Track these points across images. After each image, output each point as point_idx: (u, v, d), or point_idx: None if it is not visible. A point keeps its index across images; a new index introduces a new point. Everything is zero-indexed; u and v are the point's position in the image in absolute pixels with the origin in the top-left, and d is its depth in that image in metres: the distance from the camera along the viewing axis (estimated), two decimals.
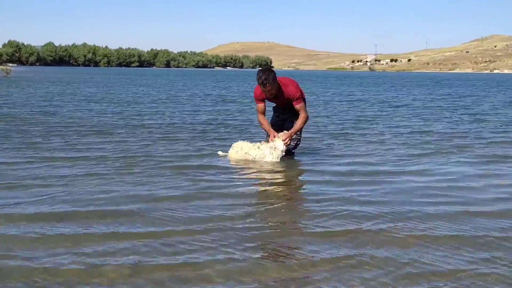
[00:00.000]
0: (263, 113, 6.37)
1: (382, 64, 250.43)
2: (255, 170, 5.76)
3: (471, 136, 9.06)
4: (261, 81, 5.98)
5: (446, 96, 23.27)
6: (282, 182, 5.37)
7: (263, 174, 5.62)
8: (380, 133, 9.27)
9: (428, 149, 7.47)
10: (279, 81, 6.13)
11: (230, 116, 12.17)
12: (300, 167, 6.11)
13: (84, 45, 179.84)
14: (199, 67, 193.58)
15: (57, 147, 6.92)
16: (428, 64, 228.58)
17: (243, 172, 5.69)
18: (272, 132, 6.27)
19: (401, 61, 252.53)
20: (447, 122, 11.63)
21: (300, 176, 5.77)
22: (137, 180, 5.07)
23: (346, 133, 9.28)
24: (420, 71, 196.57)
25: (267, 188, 5.06)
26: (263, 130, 6.70)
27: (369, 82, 47.03)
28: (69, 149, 6.83)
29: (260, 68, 6.15)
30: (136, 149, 6.90)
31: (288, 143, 6.16)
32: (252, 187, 5.08)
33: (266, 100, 6.37)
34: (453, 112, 14.52)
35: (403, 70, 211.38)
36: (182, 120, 10.89)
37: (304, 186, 5.31)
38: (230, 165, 5.99)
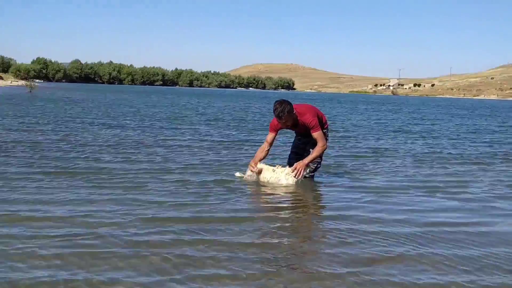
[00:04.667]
0: (270, 143, 6.40)
1: (405, 88, 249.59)
2: (271, 191, 5.80)
3: None
4: (277, 113, 6.09)
5: None
6: (299, 203, 5.41)
7: (279, 195, 5.67)
8: None
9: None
10: (295, 111, 6.19)
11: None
12: (319, 189, 6.15)
13: (110, 63, 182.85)
14: (221, 87, 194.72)
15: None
16: (452, 89, 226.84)
17: (258, 192, 5.76)
18: (254, 161, 6.34)
19: (424, 86, 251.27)
20: None
21: (317, 197, 5.81)
22: (157, 191, 5.18)
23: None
24: (444, 96, 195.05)
25: (283, 208, 5.11)
26: (286, 154, 6.71)
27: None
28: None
29: (276, 100, 6.20)
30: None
31: (299, 175, 6.12)
32: (267, 207, 5.15)
33: (287, 128, 6.44)
34: None
35: (426, 95, 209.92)
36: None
37: (321, 207, 5.36)
38: (245, 186, 6.04)
